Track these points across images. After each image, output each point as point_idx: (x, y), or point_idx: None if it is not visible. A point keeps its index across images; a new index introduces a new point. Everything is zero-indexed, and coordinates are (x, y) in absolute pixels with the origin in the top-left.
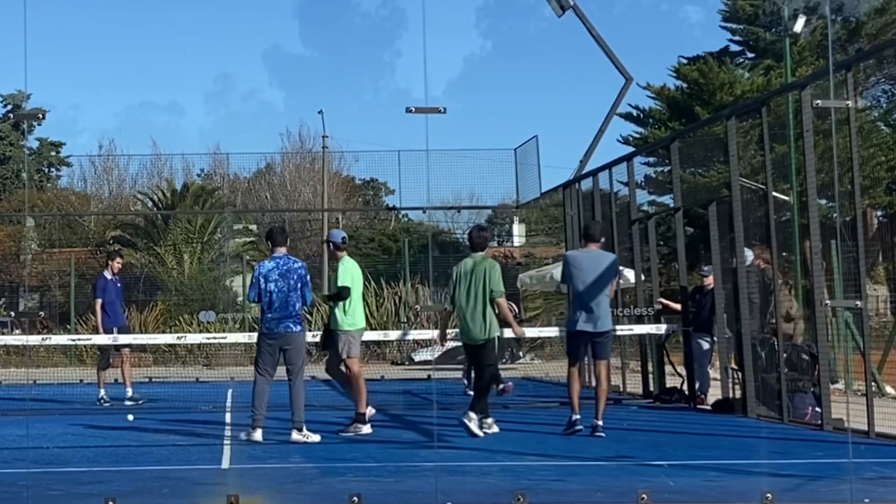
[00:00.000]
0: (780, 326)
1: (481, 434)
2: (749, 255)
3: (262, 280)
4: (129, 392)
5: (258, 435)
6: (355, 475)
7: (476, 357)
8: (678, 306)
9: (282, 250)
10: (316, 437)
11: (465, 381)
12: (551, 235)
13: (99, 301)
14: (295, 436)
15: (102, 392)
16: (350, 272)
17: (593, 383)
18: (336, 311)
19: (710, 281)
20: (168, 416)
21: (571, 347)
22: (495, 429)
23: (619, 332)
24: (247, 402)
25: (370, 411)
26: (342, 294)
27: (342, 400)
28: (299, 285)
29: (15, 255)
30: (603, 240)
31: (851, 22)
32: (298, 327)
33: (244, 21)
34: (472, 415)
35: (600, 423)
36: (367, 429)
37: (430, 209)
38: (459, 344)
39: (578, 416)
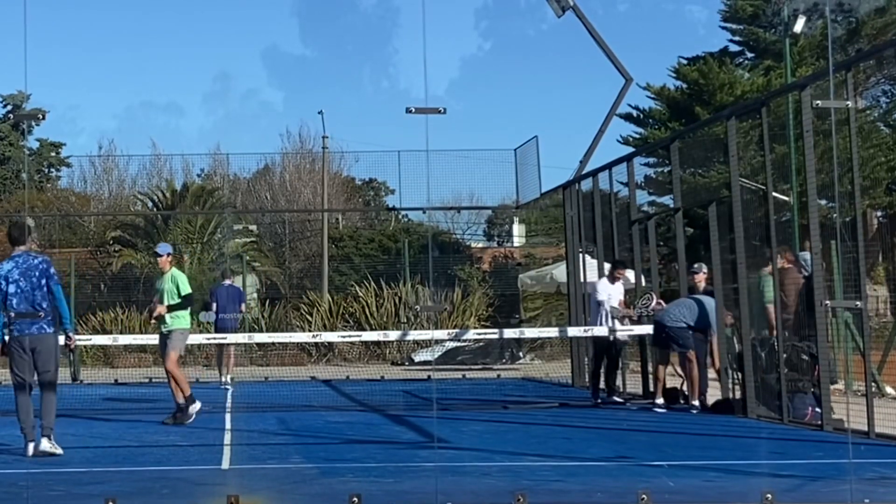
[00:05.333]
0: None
1: None
2: (807, 255)
3: (2, 282)
4: (226, 378)
5: (31, 449)
6: (355, 475)
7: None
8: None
9: (21, 248)
10: (60, 451)
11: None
12: (551, 236)
13: (213, 304)
14: (45, 444)
15: (224, 378)
16: (186, 281)
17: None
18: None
19: (700, 279)
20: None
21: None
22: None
23: (618, 333)
24: (247, 403)
25: (196, 406)
26: (190, 301)
27: (342, 401)
28: (43, 281)
29: None
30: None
31: (852, 22)
32: (51, 329)
33: (243, 20)
34: None
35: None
36: (194, 408)
37: (430, 209)
38: (459, 344)
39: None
